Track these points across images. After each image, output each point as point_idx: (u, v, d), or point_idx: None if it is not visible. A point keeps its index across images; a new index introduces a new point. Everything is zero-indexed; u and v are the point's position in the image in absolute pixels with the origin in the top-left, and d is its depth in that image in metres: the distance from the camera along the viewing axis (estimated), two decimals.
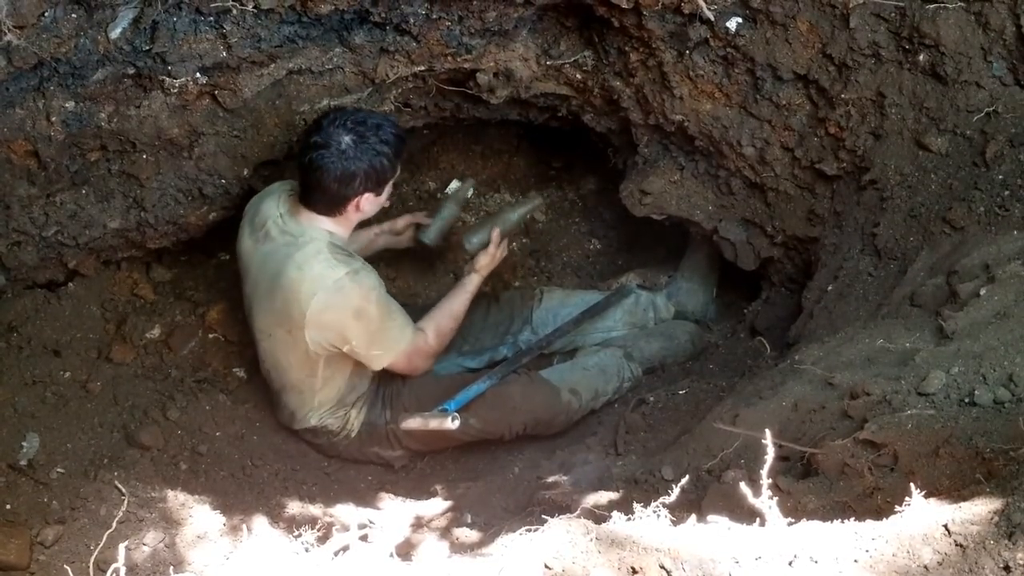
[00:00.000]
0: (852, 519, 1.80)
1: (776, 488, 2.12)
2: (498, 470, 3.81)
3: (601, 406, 4.09)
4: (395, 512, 3.51)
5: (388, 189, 3.63)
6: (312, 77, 3.57)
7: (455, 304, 3.90)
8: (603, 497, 2.88)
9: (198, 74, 3.22)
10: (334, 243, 3.53)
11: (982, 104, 3.11)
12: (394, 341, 3.61)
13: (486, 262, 3.98)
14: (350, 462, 4.01)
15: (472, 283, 3.95)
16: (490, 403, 3.86)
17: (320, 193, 3.46)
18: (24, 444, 3.17)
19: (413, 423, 3.72)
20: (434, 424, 3.68)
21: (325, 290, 3.43)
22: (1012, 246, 2.83)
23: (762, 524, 1.79)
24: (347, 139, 3.37)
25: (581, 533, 1.77)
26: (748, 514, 1.90)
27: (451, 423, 3.64)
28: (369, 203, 3.57)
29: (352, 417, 3.88)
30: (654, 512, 1.92)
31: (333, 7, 3.13)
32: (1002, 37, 3.05)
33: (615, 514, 1.90)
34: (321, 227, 3.54)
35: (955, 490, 1.92)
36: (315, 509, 3.43)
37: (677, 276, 4.67)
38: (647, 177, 4.09)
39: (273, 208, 3.60)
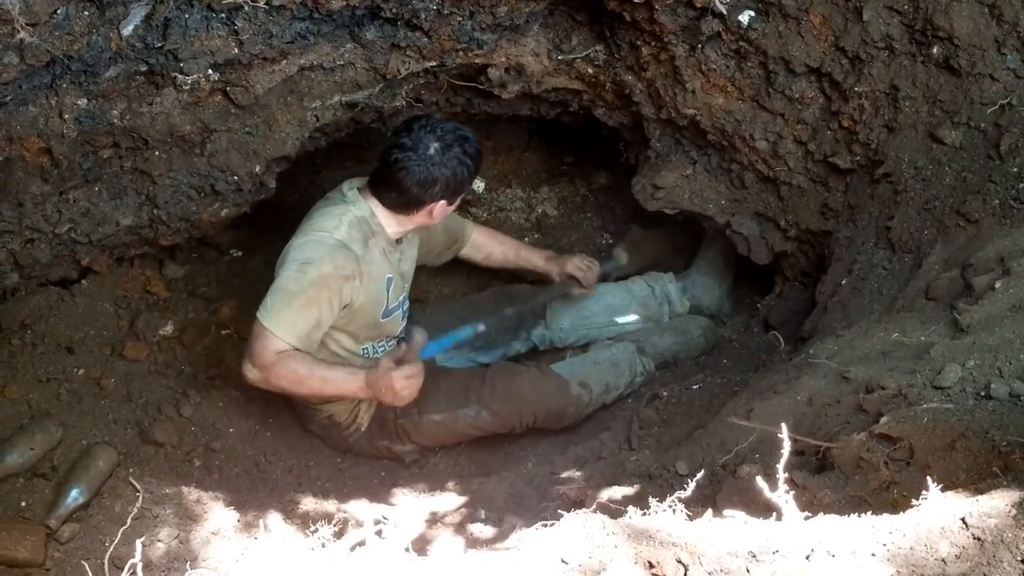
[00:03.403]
0: (868, 513, 1.79)
1: (792, 483, 2.12)
2: (511, 465, 3.82)
3: (613, 400, 4.10)
4: (409, 508, 3.51)
5: (459, 201, 3.64)
6: (324, 73, 3.57)
7: (325, 373, 3.33)
8: (618, 492, 2.88)
9: (210, 71, 3.21)
10: (367, 219, 3.53)
11: (996, 96, 3.10)
12: (278, 314, 3.25)
13: (380, 380, 3.28)
14: (363, 457, 4.01)
15: (352, 382, 3.35)
16: (501, 396, 3.88)
17: (397, 193, 3.47)
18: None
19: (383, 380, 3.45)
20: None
21: (310, 233, 3.44)
22: None
23: (778, 518, 1.79)
24: (435, 145, 3.38)
25: (597, 528, 1.76)
26: (764, 509, 1.90)
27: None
28: (441, 210, 3.56)
29: (361, 411, 3.88)
30: (670, 507, 1.91)
31: (344, 3, 3.13)
32: (1016, 29, 3.04)
33: (631, 509, 1.90)
34: (372, 207, 3.54)
35: (972, 484, 1.91)
36: (329, 505, 3.43)
37: (692, 271, 4.67)
38: (659, 172, 4.09)
39: (347, 184, 3.63)
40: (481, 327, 3.94)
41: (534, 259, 4.38)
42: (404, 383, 3.26)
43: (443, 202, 3.51)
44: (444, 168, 3.40)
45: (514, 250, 4.40)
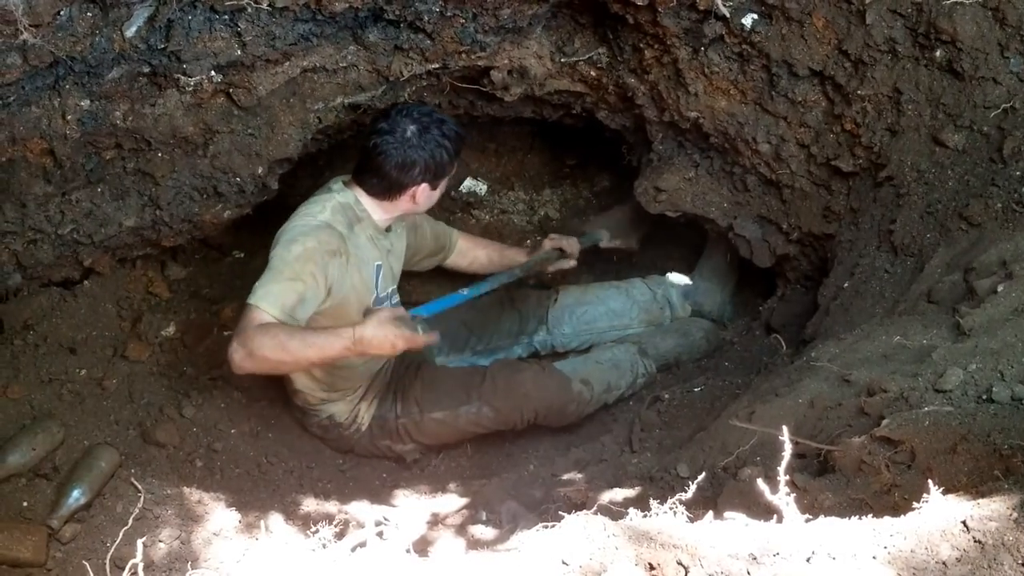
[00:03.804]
0: (869, 516, 1.79)
1: (793, 485, 2.12)
2: (512, 467, 3.82)
3: (614, 401, 4.11)
4: (411, 509, 3.51)
5: (443, 186, 3.67)
6: (326, 75, 3.57)
7: (310, 338, 3.22)
8: (619, 494, 2.88)
9: (213, 72, 3.22)
10: (351, 205, 3.56)
11: (999, 100, 3.10)
12: (262, 289, 3.22)
13: (375, 335, 3.24)
14: (364, 458, 4.01)
15: (340, 339, 3.24)
16: (502, 392, 3.88)
17: (379, 178, 3.52)
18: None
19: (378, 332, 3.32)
20: (404, 335, 3.32)
21: (295, 219, 3.47)
22: None
23: (779, 521, 1.79)
24: (412, 128, 3.44)
25: (598, 529, 1.76)
26: (765, 511, 1.90)
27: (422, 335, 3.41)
28: (424, 195, 3.60)
29: (362, 411, 3.89)
30: (671, 509, 1.91)
31: (347, 5, 3.13)
32: (1019, 32, 3.03)
33: (632, 511, 1.90)
34: (358, 195, 3.59)
35: (973, 487, 1.91)
36: (330, 506, 3.43)
37: (695, 276, 4.67)
38: (662, 174, 4.09)
39: (333, 180, 3.68)
40: (465, 291, 3.94)
41: (518, 257, 4.41)
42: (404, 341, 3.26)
43: (425, 185, 3.55)
44: (422, 150, 3.45)
45: (497, 252, 4.46)
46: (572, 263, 4.42)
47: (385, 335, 3.24)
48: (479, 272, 4.41)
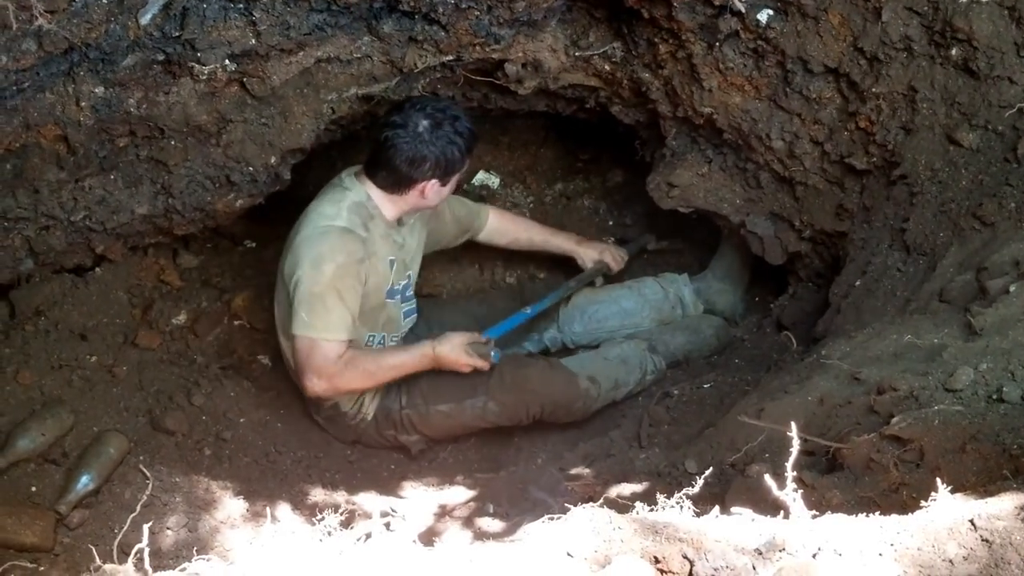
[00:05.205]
0: (877, 514, 1.79)
1: (801, 482, 2.11)
2: (521, 461, 3.81)
3: (623, 398, 4.10)
4: (418, 501, 3.52)
5: (453, 182, 3.70)
6: (340, 66, 3.57)
7: (391, 361, 3.69)
8: (626, 489, 2.88)
9: (227, 61, 3.22)
10: (363, 203, 3.59)
11: (1014, 100, 3.08)
12: (320, 320, 3.44)
13: (449, 355, 3.68)
14: (372, 450, 4.01)
15: (418, 358, 3.69)
16: (508, 386, 3.88)
17: (388, 171, 3.56)
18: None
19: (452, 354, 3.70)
20: (473, 362, 3.73)
21: (313, 225, 3.54)
22: None
23: (786, 517, 1.78)
24: (424, 123, 3.47)
25: (604, 522, 1.76)
26: (772, 508, 1.89)
27: (491, 359, 3.77)
28: (434, 191, 3.62)
29: (366, 401, 3.88)
30: (677, 504, 1.91)
31: None
32: None
33: (638, 505, 1.90)
34: (368, 190, 3.62)
35: (981, 486, 1.91)
36: (338, 496, 3.44)
37: (708, 275, 4.65)
38: (675, 170, 4.07)
39: (345, 172, 3.72)
40: (528, 309, 4.11)
41: (564, 243, 4.49)
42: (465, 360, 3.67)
43: (435, 181, 3.57)
44: (433, 146, 3.48)
45: (540, 234, 4.49)
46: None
47: (459, 357, 3.65)
48: (522, 250, 4.55)
